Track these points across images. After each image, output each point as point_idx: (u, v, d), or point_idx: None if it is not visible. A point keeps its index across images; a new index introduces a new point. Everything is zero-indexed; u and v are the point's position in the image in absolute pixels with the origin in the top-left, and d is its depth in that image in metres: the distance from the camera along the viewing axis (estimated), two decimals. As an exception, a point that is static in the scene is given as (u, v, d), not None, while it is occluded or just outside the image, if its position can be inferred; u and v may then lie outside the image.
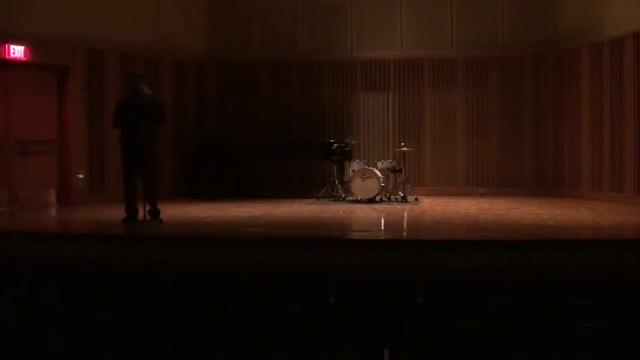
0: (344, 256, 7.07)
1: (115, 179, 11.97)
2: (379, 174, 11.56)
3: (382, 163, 11.92)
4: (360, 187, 11.57)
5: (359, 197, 11.62)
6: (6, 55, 10.94)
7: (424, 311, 4.36)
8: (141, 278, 5.55)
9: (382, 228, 9.13)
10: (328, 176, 12.67)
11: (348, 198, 11.98)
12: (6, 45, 10.92)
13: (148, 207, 8.86)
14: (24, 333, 3.91)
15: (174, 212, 10.07)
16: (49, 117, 11.78)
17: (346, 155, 12.41)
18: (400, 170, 11.95)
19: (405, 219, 9.72)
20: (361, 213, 10.34)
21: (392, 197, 11.92)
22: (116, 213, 9.28)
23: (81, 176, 11.94)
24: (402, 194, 11.84)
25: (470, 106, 13.34)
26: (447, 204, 11.36)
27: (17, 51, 11.04)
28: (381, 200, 11.72)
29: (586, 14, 12.08)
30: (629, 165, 11.04)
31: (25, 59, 11.16)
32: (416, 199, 11.91)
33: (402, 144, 12.29)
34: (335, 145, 12.34)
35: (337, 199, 12.07)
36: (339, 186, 12.22)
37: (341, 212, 10.72)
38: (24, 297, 4.78)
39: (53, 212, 11.27)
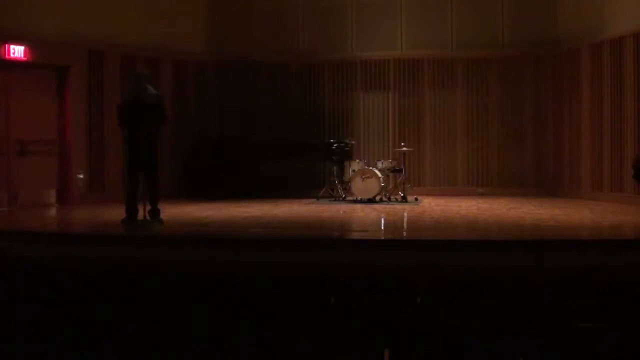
0: (344, 256, 7.07)
1: (115, 179, 12.00)
2: (379, 174, 11.56)
3: (382, 163, 11.92)
4: (360, 187, 11.57)
5: (359, 197, 11.61)
6: (6, 55, 10.95)
7: (424, 311, 4.36)
8: (141, 278, 5.55)
9: (382, 228, 9.13)
10: (328, 176, 12.66)
11: (348, 198, 11.98)
12: (6, 45, 10.93)
13: (148, 207, 8.86)
14: (23, 333, 3.91)
15: (174, 212, 10.07)
16: (49, 117, 11.79)
17: (346, 155, 12.40)
18: (400, 170, 11.95)
19: (405, 219, 9.72)
20: (361, 213, 10.34)
21: (392, 197, 11.92)
22: (116, 213, 9.29)
23: (81, 176, 11.94)
24: (402, 194, 11.84)
25: (470, 106, 13.34)
26: (447, 204, 11.36)
27: (17, 51, 11.05)
28: (381, 200, 11.72)
29: (586, 14, 12.08)
30: (629, 165, 11.02)
31: (25, 59, 11.16)
32: (416, 199, 11.90)
33: (402, 144, 12.29)
34: (335, 145, 12.34)
35: (337, 199, 12.07)
36: (339, 186, 12.22)
37: (341, 212, 10.73)
38: (23, 297, 4.77)
39: (53, 212, 11.27)
